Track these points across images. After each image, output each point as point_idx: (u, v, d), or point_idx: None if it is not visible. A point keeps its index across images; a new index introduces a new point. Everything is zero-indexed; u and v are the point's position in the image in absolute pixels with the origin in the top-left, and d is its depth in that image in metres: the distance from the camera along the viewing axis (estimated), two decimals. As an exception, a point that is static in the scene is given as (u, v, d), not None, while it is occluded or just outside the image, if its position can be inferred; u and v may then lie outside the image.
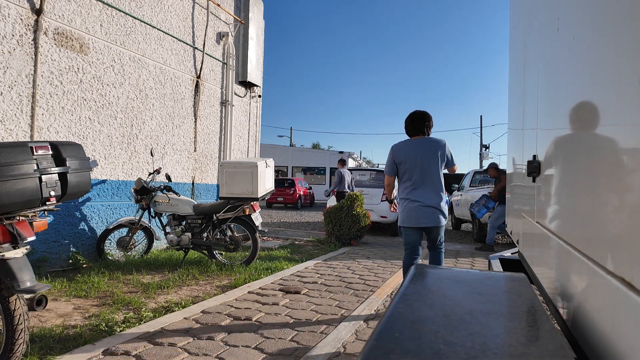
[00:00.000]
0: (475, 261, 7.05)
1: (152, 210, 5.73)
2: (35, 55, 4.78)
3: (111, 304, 3.77)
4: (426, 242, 3.92)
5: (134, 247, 5.75)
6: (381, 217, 10.23)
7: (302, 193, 21.99)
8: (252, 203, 5.49)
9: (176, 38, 6.92)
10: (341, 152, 33.64)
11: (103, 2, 5.59)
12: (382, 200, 10.40)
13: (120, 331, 3.12)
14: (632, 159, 0.63)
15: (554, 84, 1.25)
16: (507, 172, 3.03)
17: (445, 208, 3.81)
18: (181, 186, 7.06)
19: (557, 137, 1.22)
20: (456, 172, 5.99)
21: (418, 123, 3.86)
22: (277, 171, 31.43)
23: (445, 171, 3.95)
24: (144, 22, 6.27)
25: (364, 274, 5.49)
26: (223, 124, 8.22)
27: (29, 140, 4.68)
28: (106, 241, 5.61)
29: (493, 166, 8.61)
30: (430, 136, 3.93)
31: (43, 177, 2.50)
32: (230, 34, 8.22)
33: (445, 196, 3.86)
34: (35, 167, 2.46)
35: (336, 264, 6.12)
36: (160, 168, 6.11)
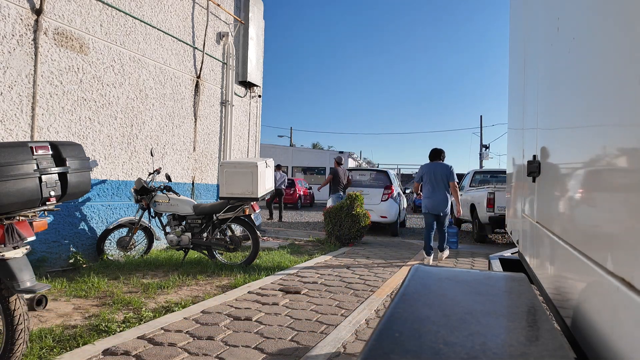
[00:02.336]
0: (475, 261, 7.05)
1: (152, 210, 5.73)
2: (35, 55, 4.78)
3: (111, 304, 3.77)
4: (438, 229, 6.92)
5: (134, 247, 5.75)
6: (381, 217, 10.23)
7: (302, 193, 21.99)
8: (252, 203, 5.49)
9: (176, 38, 6.92)
10: (341, 152, 33.65)
11: (103, 2, 5.59)
12: (382, 200, 10.41)
13: (120, 331, 3.12)
14: (632, 159, 0.63)
15: (554, 84, 1.25)
16: (507, 172, 3.03)
17: (447, 204, 6.72)
18: (181, 186, 7.06)
19: (557, 137, 1.22)
20: (456, 173, 7.33)
21: (437, 153, 6.93)
22: (277, 171, 31.39)
23: None
24: (144, 22, 6.27)
25: (364, 274, 5.49)
26: (223, 124, 8.22)
27: (29, 140, 4.68)
28: (106, 241, 5.61)
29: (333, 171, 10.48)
30: (444, 162, 6.91)
31: (43, 177, 2.50)
32: (230, 34, 8.22)
33: (448, 202, 6.75)
34: (35, 167, 2.46)
35: (336, 264, 6.12)
36: (160, 168, 6.11)
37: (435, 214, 6.65)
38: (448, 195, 6.65)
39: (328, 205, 9.27)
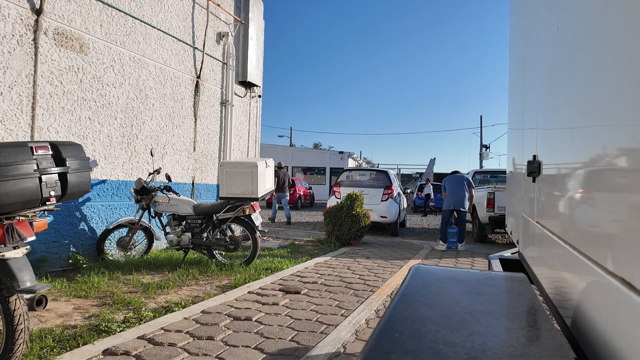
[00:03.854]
0: (475, 261, 7.05)
1: (152, 210, 5.73)
2: (35, 55, 4.78)
3: (111, 304, 3.77)
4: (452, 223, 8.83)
5: (134, 247, 5.75)
6: (381, 217, 10.23)
7: (302, 193, 21.99)
8: (252, 203, 5.49)
9: (176, 38, 6.92)
10: (341, 152, 33.65)
11: (103, 2, 5.59)
12: (382, 200, 10.41)
13: (120, 331, 3.12)
14: (632, 159, 0.63)
15: (554, 84, 1.25)
16: (507, 172, 3.03)
17: (466, 203, 8.53)
18: (181, 186, 7.06)
19: (557, 137, 1.22)
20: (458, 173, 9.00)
21: (456, 171, 8.96)
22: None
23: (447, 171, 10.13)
24: (144, 22, 6.27)
25: (364, 274, 5.49)
26: (223, 124, 8.22)
27: (29, 140, 4.68)
28: (106, 241, 5.61)
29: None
30: (462, 173, 8.90)
31: (43, 177, 2.50)
32: (230, 34, 8.22)
33: (467, 200, 8.58)
34: (35, 167, 2.46)
35: (336, 264, 6.12)
36: (160, 168, 6.11)
37: (457, 209, 8.49)
38: (467, 195, 8.55)
39: (328, 205, 9.28)
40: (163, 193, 5.70)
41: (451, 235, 8.48)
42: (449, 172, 9.32)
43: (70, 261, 5.20)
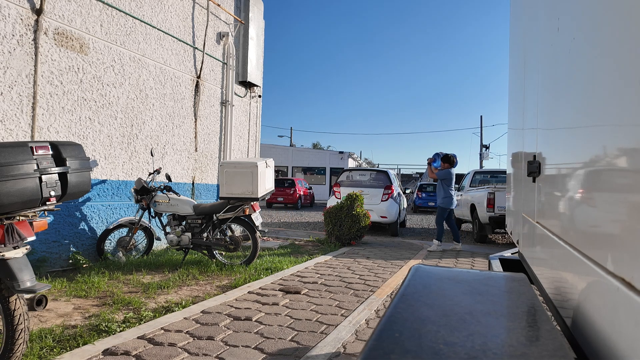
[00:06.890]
0: (475, 261, 7.05)
1: (152, 210, 5.73)
2: (36, 55, 4.78)
3: (111, 304, 3.77)
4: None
5: (134, 247, 5.75)
6: (381, 217, 10.23)
7: (302, 193, 22.00)
8: (252, 203, 5.49)
9: (176, 38, 6.92)
10: (341, 152, 33.66)
11: (103, 2, 5.59)
12: (382, 200, 10.41)
13: (120, 331, 3.12)
14: (632, 159, 0.63)
15: (554, 84, 1.25)
16: (507, 172, 3.03)
17: (454, 201, 8.24)
18: (181, 186, 7.06)
19: (557, 137, 1.22)
20: (457, 173, 8.65)
21: (450, 157, 8.28)
22: (277, 171, 31.43)
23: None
24: (144, 22, 6.27)
25: (364, 274, 5.49)
26: (223, 124, 8.22)
27: (29, 140, 4.68)
28: (106, 241, 5.61)
29: None
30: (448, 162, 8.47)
31: (43, 177, 2.50)
32: (230, 34, 8.22)
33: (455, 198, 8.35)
34: (36, 167, 2.46)
35: (336, 264, 6.12)
36: (160, 168, 6.11)
37: (450, 207, 8.23)
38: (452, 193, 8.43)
39: (328, 205, 9.28)
40: (163, 193, 5.70)
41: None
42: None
43: (70, 261, 5.20)
